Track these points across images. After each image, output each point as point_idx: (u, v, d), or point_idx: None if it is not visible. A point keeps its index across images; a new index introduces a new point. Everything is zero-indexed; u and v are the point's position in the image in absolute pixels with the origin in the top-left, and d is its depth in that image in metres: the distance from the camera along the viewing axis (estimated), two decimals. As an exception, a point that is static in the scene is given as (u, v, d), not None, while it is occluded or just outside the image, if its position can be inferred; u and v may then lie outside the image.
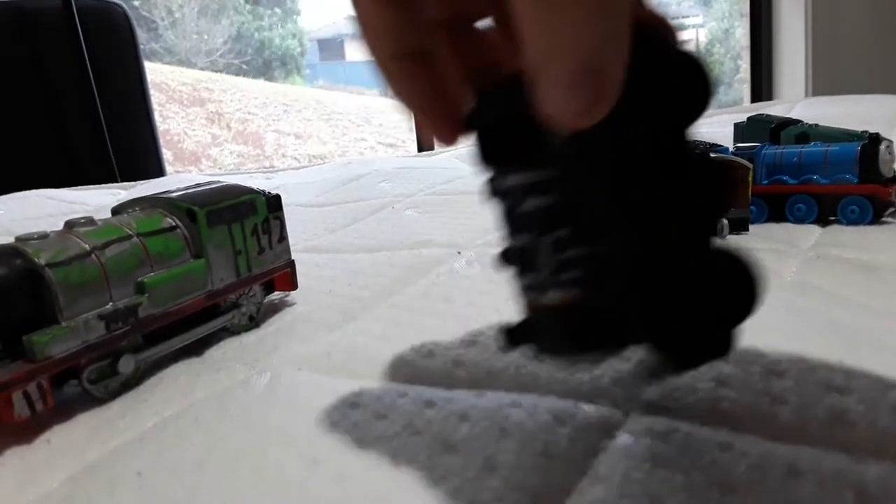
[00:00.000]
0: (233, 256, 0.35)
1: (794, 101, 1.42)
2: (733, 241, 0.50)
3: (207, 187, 0.36)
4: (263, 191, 0.37)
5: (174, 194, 0.34)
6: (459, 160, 0.98)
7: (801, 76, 1.93)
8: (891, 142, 0.53)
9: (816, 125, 0.63)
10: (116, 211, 0.35)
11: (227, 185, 0.37)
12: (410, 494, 0.22)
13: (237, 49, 3.63)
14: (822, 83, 1.87)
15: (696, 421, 0.24)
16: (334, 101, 3.72)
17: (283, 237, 0.38)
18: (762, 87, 2.06)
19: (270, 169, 1.11)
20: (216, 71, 3.56)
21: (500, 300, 0.37)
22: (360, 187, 0.74)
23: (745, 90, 2.17)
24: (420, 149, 1.95)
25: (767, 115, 0.70)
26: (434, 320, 0.35)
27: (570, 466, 0.22)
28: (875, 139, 0.53)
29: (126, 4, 1.48)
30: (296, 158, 3.26)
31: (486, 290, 0.38)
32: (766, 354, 0.28)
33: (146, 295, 0.31)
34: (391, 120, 3.53)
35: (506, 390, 0.28)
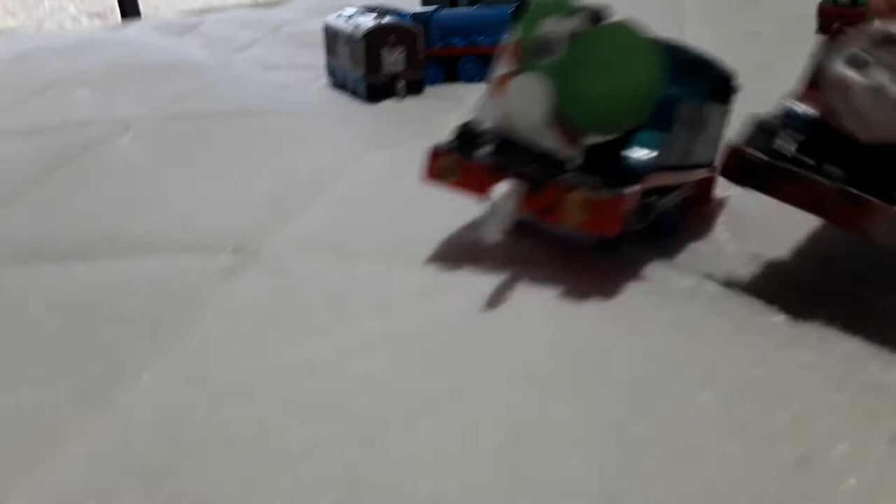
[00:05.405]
0: None
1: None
2: (410, 102, 0.54)
3: None
4: None
5: None
6: (156, 31, 0.89)
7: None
8: (545, 3, 0.59)
9: (488, -13, 0.68)
10: None
11: None
12: None
13: None
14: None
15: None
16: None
17: None
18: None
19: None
20: None
21: (163, 175, 0.37)
22: (27, 66, 0.66)
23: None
24: (123, 16, 1.72)
25: (446, -21, 0.73)
26: (92, 196, 0.34)
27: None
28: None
29: None
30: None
31: (146, 167, 0.38)
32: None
33: None
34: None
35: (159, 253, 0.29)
